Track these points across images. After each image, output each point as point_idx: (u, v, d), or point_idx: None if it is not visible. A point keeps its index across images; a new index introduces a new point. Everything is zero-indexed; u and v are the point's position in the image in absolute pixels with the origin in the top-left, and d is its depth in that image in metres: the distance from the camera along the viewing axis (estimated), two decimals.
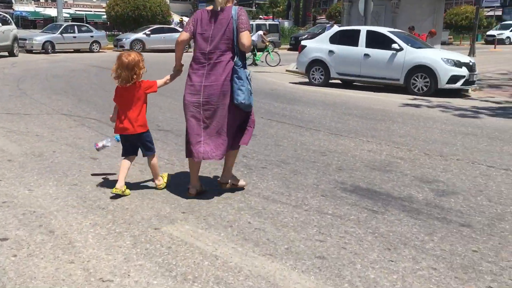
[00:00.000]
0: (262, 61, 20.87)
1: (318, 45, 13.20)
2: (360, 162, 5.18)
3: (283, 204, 3.85)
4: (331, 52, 12.86)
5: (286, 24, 50.00)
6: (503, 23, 43.70)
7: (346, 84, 13.19)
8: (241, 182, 4.17)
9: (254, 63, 20.30)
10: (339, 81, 13.22)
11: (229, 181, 4.10)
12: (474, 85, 11.91)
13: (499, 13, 53.55)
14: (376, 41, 12.31)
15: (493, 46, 34.55)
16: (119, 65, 3.67)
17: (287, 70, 17.48)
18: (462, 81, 11.28)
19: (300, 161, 5.10)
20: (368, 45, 12.30)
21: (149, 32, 27.98)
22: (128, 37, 27.93)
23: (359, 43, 12.44)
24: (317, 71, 13.18)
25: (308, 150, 5.66)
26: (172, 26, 30.39)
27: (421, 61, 11.41)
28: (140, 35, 27.94)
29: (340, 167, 4.97)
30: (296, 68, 14.54)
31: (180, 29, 31.09)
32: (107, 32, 32.34)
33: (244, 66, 3.79)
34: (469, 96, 11.71)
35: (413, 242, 3.17)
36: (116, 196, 3.82)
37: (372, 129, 7.04)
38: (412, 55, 11.60)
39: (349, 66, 12.60)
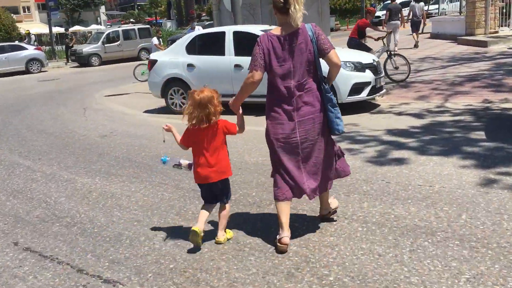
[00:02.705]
0: None
1: (174, 58, 9.51)
2: None
3: None
4: (190, 66, 9.25)
5: (169, 24, 45.88)
6: (386, 2, 43.16)
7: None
8: (334, 204, 3.77)
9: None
10: None
11: (329, 210, 3.76)
12: (382, 91, 8.97)
13: None
14: (248, 45, 8.78)
15: (381, 27, 33.23)
16: (191, 103, 3.31)
17: None
18: (367, 89, 8.23)
19: None
20: (239, 52, 8.86)
21: None
22: None
23: (226, 50, 8.97)
24: (177, 93, 9.52)
25: None
26: (16, 43, 24.87)
27: None
28: None
29: None
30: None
31: (29, 46, 25.79)
32: None
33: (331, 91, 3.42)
34: (379, 105, 8.77)
35: None
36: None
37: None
38: None
39: (217, 84, 9.01)
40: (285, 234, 3.28)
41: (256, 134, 6.75)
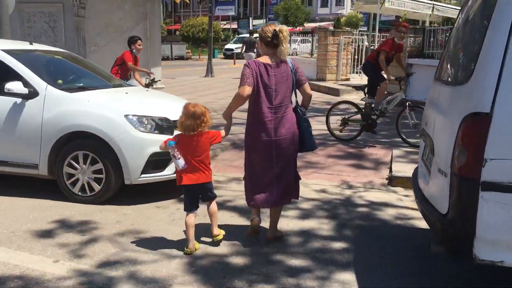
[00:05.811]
0: None
1: None
2: None
3: None
4: None
5: None
6: (239, 36, 42.07)
7: None
8: (281, 232, 4.18)
9: None
10: None
11: (275, 234, 4.08)
12: None
13: (235, 25, 52.91)
14: None
15: (233, 61, 31.40)
16: (184, 114, 3.67)
17: None
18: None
19: None
20: None
21: None
22: None
23: None
24: None
25: None
26: None
27: (81, 124, 4.80)
28: None
29: None
30: None
31: None
32: None
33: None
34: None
35: None
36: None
37: None
38: (60, 107, 4.91)
39: None
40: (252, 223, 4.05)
41: None
